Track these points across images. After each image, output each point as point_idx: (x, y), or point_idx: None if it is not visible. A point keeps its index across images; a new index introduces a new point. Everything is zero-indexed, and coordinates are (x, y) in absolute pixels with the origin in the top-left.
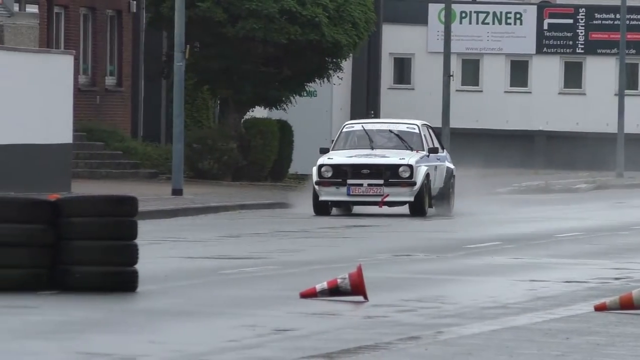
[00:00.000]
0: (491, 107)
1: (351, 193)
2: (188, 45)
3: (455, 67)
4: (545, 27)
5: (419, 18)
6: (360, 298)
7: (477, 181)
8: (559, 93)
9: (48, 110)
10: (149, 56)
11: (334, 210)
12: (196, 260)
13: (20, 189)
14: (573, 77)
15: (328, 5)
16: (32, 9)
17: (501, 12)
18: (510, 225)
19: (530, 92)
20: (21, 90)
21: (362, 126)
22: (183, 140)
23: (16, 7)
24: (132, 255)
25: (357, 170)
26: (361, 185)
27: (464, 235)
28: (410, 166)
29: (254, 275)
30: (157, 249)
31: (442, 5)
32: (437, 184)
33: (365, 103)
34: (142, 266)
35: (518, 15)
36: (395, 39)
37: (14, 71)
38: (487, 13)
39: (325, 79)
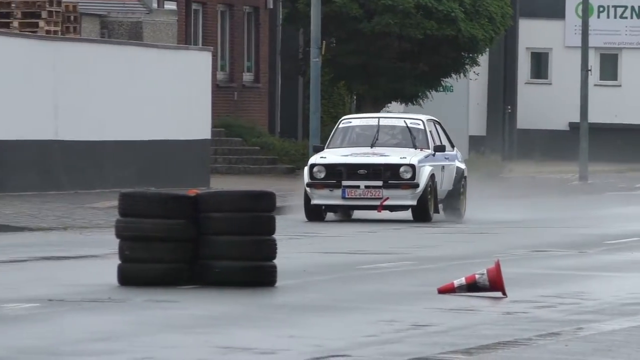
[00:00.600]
0: (630, 101)
1: (347, 196)
2: (324, 41)
3: (593, 61)
4: None
5: (556, 12)
6: (499, 294)
7: (616, 177)
8: None
9: (187, 107)
10: (285, 53)
11: (329, 216)
12: (334, 255)
13: (160, 184)
14: None
15: (464, 0)
16: (171, 5)
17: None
18: None
19: None
20: (160, 87)
21: (360, 121)
22: (319, 136)
23: (155, 4)
24: (270, 250)
25: (353, 171)
26: (358, 187)
27: (604, 231)
28: (412, 166)
29: (391, 270)
30: (295, 244)
31: (580, 0)
32: (444, 185)
33: (502, 98)
34: (281, 261)
35: None
36: (532, 33)
37: (153, 68)
38: (625, 7)
39: (462, 74)
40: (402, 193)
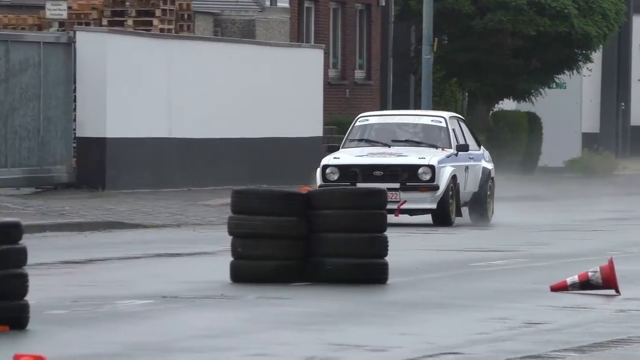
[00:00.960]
0: None
1: None
2: (436, 39)
3: None
4: None
5: None
6: (612, 292)
7: None
8: None
9: (299, 104)
10: (397, 50)
11: None
12: (445, 252)
13: (272, 181)
14: None
15: None
16: (283, 3)
17: None
18: None
19: None
20: (273, 84)
21: (378, 119)
22: None
23: (267, 2)
24: (382, 247)
25: (368, 172)
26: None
27: None
28: (431, 167)
29: (503, 268)
30: (406, 241)
31: None
32: (469, 187)
33: (615, 94)
34: (392, 258)
35: None
36: None
37: (266, 65)
38: None
39: (575, 71)
40: (421, 196)
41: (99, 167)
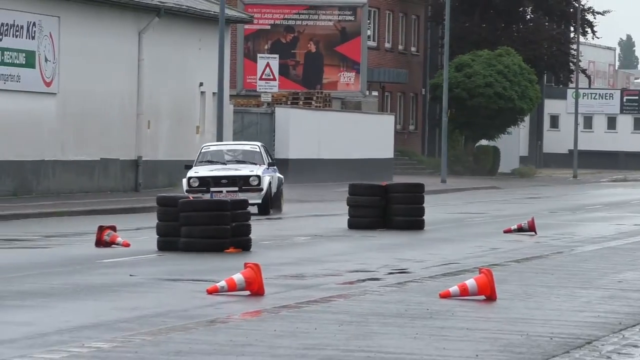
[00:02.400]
0: None
1: (214, 198)
2: (450, 110)
3: None
4: None
5: None
6: (533, 233)
7: None
8: None
9: (381, 141)
10: (430, 115)
11: None
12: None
13: (365, 180)
14: None
15: None
16: (374, 92)
17: None
18: None
19: None
20: (369, 131)
21: (215, 147)
22: None
23: (367, 92)
24: (420, 211)
25: (217, 181)
26: (221, 192)
27: None
28: (258, 176)
29: (479, 222)
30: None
31: None
32: (274, 189)
33: (535, 136)
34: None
35: None
36: None
37: (366, 123)
38: None
39: (516, 126)
40: (252, 195)
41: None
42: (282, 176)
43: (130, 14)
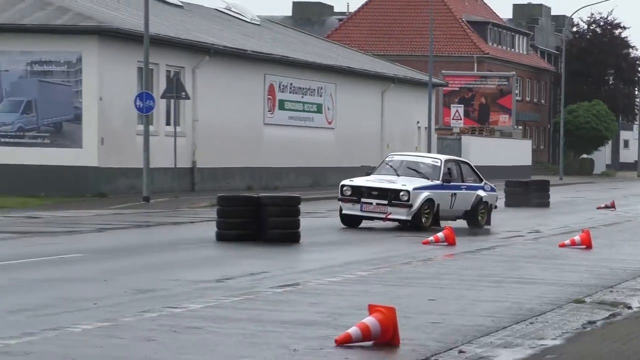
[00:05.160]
0: None
1: (363, 209)
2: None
3: None
4: None
5: None
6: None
7: None
8: None
9: (523, 155)
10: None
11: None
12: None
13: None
14: None
15: None
16: (520, 127)
17: None
18: None
19: None
20: (517, 147)
21: (395, 157)
22: None
23: (514, 127)
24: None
25: (369, 192)
26: (371, 203)
27: None
28: (408, 192)
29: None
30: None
31: None
32: (457, 206)
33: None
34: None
35: None
36: None
37: (516, 144)
38: None
39: (603, 145)
40: (401, 210)
41: None
42: (484, 194)
43: (376, 81)
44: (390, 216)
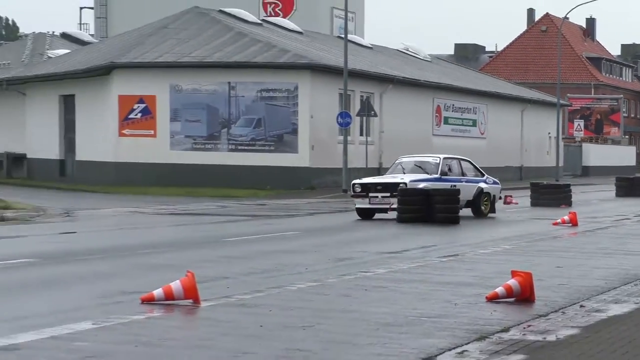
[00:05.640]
0: None
1: (371, 203)
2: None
3: None
4: None
5: None
6: None
7: None
8: None
9: (627, 157)
10: None
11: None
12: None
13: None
14: None
15: None
16: (626, 137)
17: None
18: None
19: None
20: (626, 154)
21: (404, 159)
22: None
23: (623, 136)
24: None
25: (375, 187)
26: (377, 197)
27: None
28: (405, 184)
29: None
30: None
31: None
32: (461, 196)
33: None
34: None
35: None
36: None
37: (626, 150)
38: None
39: None
40: None
41: None
42: (485, 185)
43: (517, 103)
44: (393, 206)
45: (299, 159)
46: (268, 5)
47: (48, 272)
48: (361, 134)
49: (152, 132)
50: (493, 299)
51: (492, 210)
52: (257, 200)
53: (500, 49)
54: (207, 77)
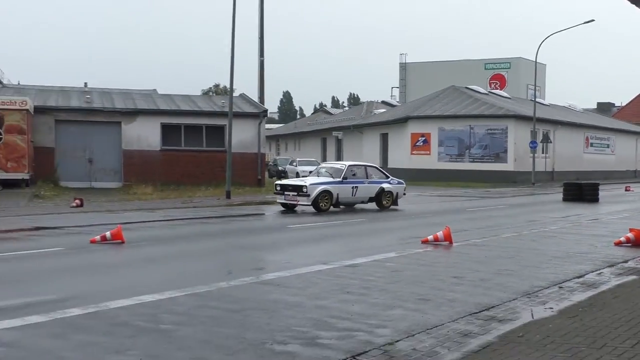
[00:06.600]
0: None
1: (285, 199)
2: None
3: None
4: None
5: None
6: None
7: None
8: None
9: None
10: None
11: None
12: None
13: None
14: None
15: None
16: None
17: None
18: None
19: None
20: None
21: (323, 165)
22: None
23: None
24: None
25: (287, 187)
26: (289, 194)
27: None
28: (306, 186)
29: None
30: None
31: None
32: (361, 195)
33: None
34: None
35: None
36: None
37: None
38: None
39: None
40: (304, 199)
41: None
42: (387, 186)
43: (633, 134)
44: (298, 202)
45: (507, 166)
46: (492, 83)
47: (375, 226)
48: (542, 152)
49: (428, 152)
50: (619, 244)
51: (395, 203)
52: (482, 190)
53: (624, 103)
54: (458, 122)
